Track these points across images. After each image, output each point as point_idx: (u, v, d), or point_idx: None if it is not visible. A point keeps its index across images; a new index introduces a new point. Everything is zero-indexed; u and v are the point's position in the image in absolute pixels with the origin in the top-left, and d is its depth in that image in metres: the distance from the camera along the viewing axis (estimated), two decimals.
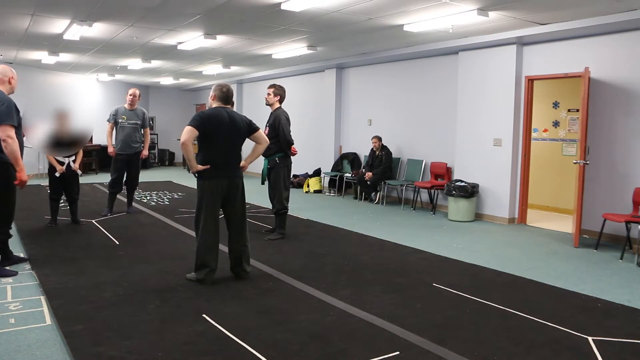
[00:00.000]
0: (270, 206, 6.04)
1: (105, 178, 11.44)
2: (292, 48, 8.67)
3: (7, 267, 4.37)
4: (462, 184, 7.33)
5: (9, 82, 4.20)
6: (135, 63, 10.89)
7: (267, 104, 5.95)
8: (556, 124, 8.37)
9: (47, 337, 3.08)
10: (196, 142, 4.13)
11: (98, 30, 7.39)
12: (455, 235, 6.37)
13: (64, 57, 10.24)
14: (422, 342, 3.06)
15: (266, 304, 3.70)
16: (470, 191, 7.26)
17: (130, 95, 7.00)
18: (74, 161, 6.20)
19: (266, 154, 5.77)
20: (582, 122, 5.86)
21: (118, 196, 7.39)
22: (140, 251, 5.17)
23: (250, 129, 4.27)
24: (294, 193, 7.94)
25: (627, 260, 5.25)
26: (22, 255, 4.82)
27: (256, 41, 8.14)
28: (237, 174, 4.22)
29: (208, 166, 4.05)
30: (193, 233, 5.00)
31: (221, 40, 7.99)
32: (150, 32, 7.61)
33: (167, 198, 8.97)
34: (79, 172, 6.31)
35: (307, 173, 11.15)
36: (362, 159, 9.82)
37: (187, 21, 6.75)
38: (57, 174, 6.10)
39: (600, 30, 6.09)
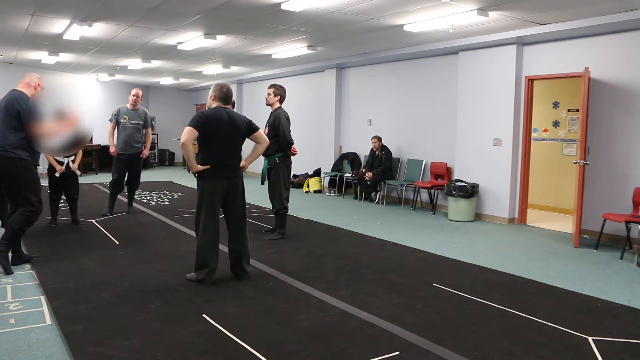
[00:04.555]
0: (270, 206, 6.04)
1: (105, 178, 11.45)
2: (292, 48, 8.68)
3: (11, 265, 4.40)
4: (462, 184, 7.33)
5: (35, 89, 4.55)
6: (135, 63, 10.89)
7: (267, 104, 5.96)
8: (556, 124, 8.37)
9: (47, 337, 3.08)
10: (196, 142, 4.14)
11: (98, 30, 7.39)
12: (455, 235, 6.37)
13: (64, 57, 10.25)
14: (422, 342, 3.06)
15: (266, 304, 3.70)
16: (470, 191, 7.26)
17: (133, 95, 6.99)
18: (73, 161, 6.20)
19: (266, 153, 5.77)
20: (582, 122, 5.87)
21: (118, 196, 7.40)
22: (140, 251, 5.17)
23: (250, 129, 4.27)
24: (294, 193, 7.94)
25: (627, 260, 5.25)
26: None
27: (256, 41, 8.14)
28: (237, 174, 4.22)
29: (208, 166, 4.05)
30: (193, 233, 5.01)
31: (221, 40, 7.99)
32: (150, 32, 7.61)
33: (167, 198, 8.97)
34: (78, 172, 6.31)
35: (307, 173, 11.15)
36: (362, 159, 9.82)
37: (187, 21, 6.75)
38: (57, 174, 6.10)
39: (600, 30, 6.09)
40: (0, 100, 4.48)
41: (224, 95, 4.19)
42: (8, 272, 4.29)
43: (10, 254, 4.44)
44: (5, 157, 4.26)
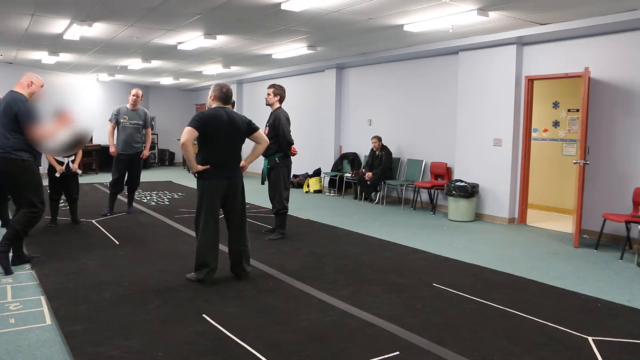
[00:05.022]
0: (270, 206, 6.04)
1: (105, 178, 11.45)
2: (292, 48, 8.67)
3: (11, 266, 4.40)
4: (462, 184, 7.33)
5: (28, 86, 4.53)
6: (135, 63, 10.89)
7: (267, 104, 5.96)
8: (556, 124, 8.37)
9: (47, 337, 3.08)
10: (196, 142, 4.14)
11: (98, 30, 7.39)
12: (455, 235, 6.37)
13: (64, 57, 10.25)
14: (422, 342, 3.06)
15: (266, 304, 3.70)
16: (470, 191, 7.26)
17: (133, 95, 6.99)
18: (72, 161, 6.20)
19: (266, 154, 5.77)
20: (582, 122, 5.87)
21: (118, 196, 7.40)
22: (140, 251, 5.17)
23: (250, 128, 4.27)
24: (294, 193, 7.94)
25: (627, 260, 5.25)
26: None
27: (256, 41, 8.14)
28: (237, 174, 4.22)
29: (208, 166, 4.05)
30: (193, 233, 5.01)
31: (221, 40, 7.99)
32: (150, 32, 7.61)
33: (167, 198, 8.97)
34: (79, 171, 6.30)
35: (307, 173, 11.15)
36: (362, 159, 9.82)
37: (187, 21, 6.75)
38: (57, 174, 6.11)
39: (600, 30, 6.09)
40: None
41: (224, 95, 4.19)
42: (8, 272, 4.29)
43: (10, 254, 4.45)
44: (7, 158, 4.26)
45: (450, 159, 8.17)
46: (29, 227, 4.42)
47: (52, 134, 4.21)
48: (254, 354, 2.86)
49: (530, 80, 7.08)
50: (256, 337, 3.08)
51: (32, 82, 4.55)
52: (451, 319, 3.46)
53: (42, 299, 3.74)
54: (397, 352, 2.91)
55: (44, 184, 4.66)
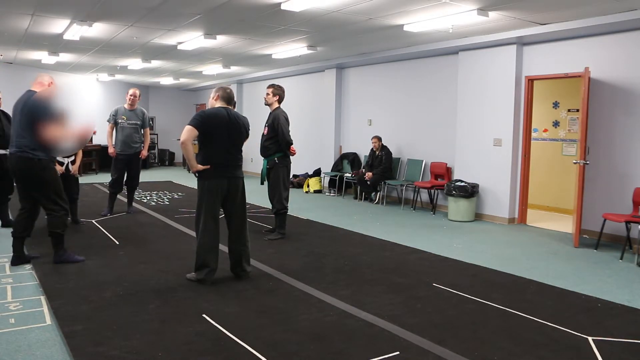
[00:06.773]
0: (270, 206, 6.04)
1: (105, 178, 11.44)
2: (292, 48, 8.68)
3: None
4: (462, 184, 7.33)
5: (49, 86, 4.55)
6: (135, 63, 10.89)
7: (266, 104, 5.95)
8: (556, 124, 8.37)
9: (47, 337, 3.08)
10: (196, 141, 4.14)
11: (98, 30, 7.39)
12: (455, 235, 6.36)
13: (64, 57, 10.24)
14: (422, 342, 3.06)
15: (266, 304, 3.70)
16: (470, 191, 7.26)
17: (131, 95, 7.00)
18: (72, 162, 6.19)
19: (265, 154, 5.78)
20: (582, 122, 5.87)
21: (118, 196, 7.39)
22: (140, 251, 5.17)
23: (246, 134, 4.31)
24: (294, 193, 7.94)
25: (627, 260, 5.25)
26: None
27: (256, 41, 8.14)
28: (237, 174, 4.22)
29: (208, 166, 4.05)
30: (193, 233, 5.01)
31: (221, 40, 7.99)
32: (150, 32, 7.61)
33: (167, 198, 8.97)
34: (77, 175, 6.28)
35: (307, 173, 11.15)
36: (362, 159, 9.82)
37: (187, 21, 6.75)
38: None
39: (600, 30, 6.09)
40: (17, 102, 4.44)
41: (228, 96, 4.22)
42: (77, 260, 4.59)
43: (11, 254, 4.45)
44: (24, 158, 4.26)
45: (450, 159, 8.17)
46: (64, 225, 4.54)
47: (62, 138, 4.23)
48: (254, 354, 2.86)
49: (530, 80, 7.08)
50: (256, 337, 3.08)
51: (51, 82, 4.59)
52: (451, 319, 3.46)
53: (42, 299, 3.74)
54: (397, 352, 2.91)
55: None
